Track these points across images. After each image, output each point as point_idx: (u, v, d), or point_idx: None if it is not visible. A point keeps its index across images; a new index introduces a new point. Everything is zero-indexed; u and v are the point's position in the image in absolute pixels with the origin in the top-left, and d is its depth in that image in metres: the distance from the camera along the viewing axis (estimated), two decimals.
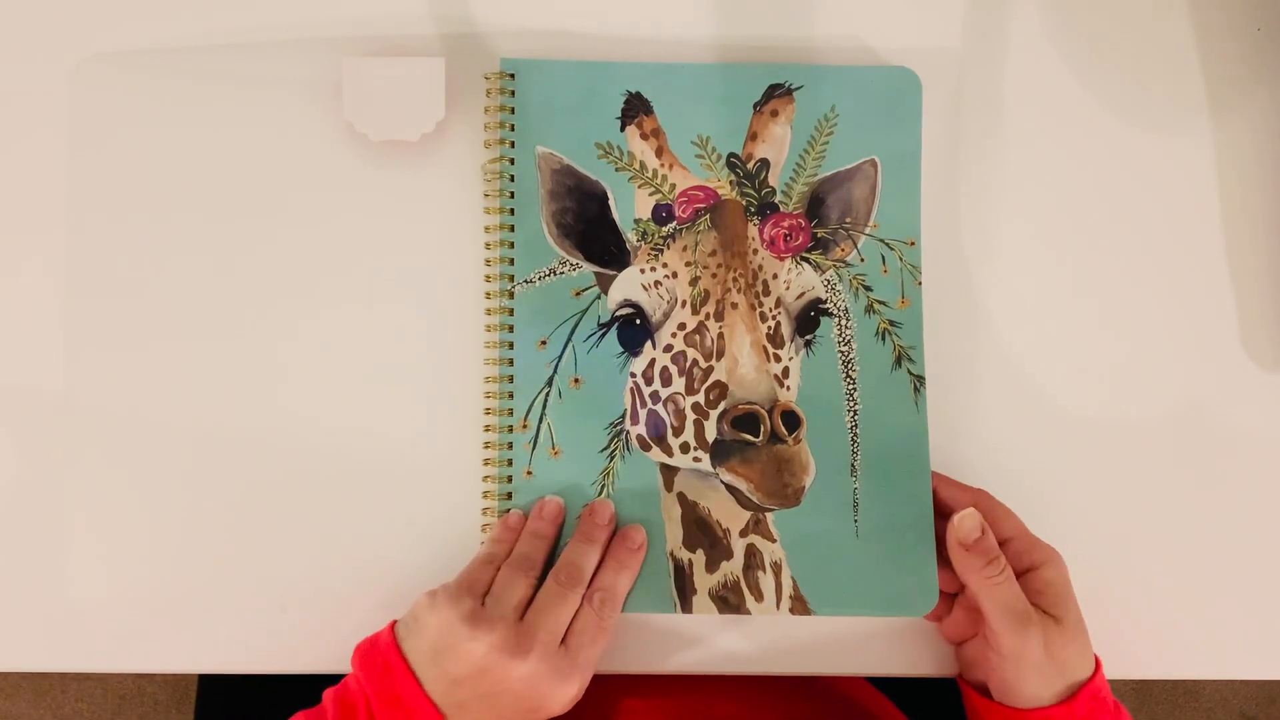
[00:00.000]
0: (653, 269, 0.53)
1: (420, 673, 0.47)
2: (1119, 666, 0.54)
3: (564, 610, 0.49)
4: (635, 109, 0.54)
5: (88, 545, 0.54)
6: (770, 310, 0.53)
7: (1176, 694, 1.29)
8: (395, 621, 0.50)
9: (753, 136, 0.54)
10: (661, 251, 0.53)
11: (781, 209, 0.54)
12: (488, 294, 0.54)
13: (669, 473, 0.53)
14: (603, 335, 0.53)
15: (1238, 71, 0.57)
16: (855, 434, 0.53)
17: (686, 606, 0.52)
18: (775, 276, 0.53)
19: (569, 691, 0.48)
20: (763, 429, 0.52)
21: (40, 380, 0.54)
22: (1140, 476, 0.56)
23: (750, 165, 0.54)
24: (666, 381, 0.53)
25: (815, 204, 0.54)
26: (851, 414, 0.53)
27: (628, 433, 0.53)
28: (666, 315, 0.53)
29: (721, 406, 0.53)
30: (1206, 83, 0.57)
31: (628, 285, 0.53)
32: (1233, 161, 0.57)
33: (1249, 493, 0.56)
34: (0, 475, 0.54)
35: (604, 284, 0.53)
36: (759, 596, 0.52)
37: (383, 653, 0.48)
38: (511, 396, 0.53)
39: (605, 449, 0.53)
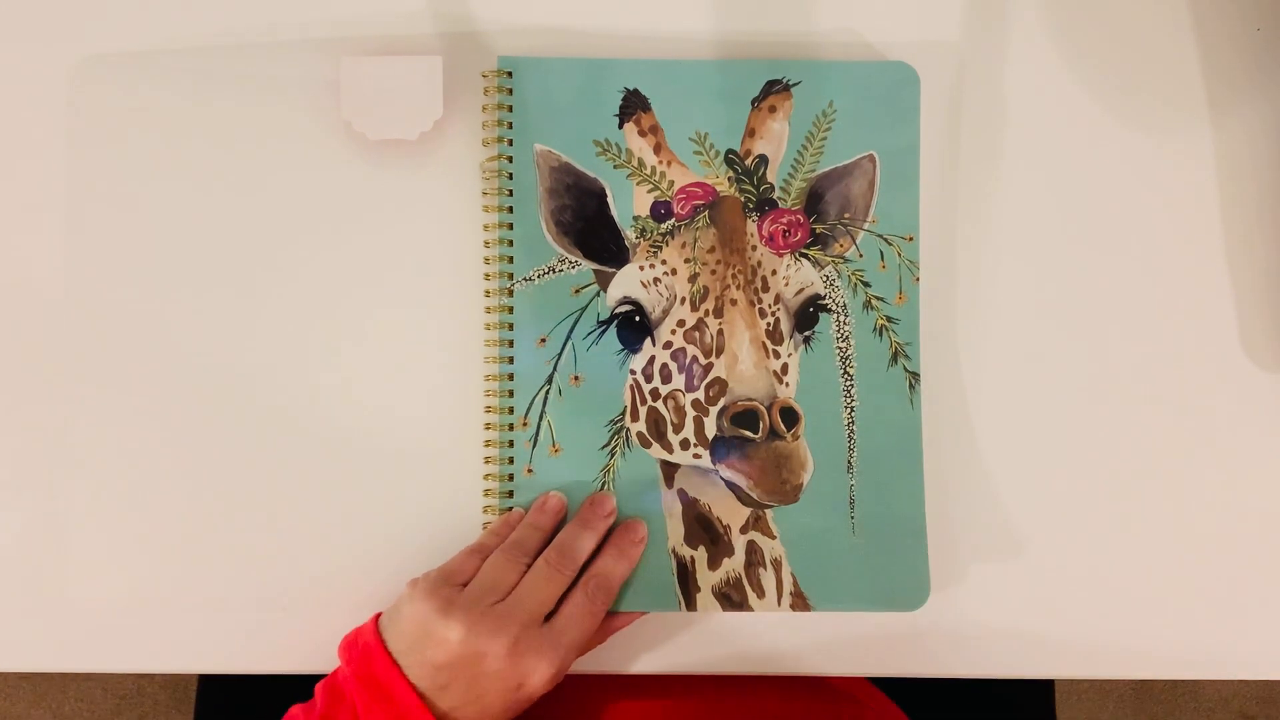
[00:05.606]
0: (652, 266, 0.53)
1: (401, 660, 0.47)
2: (1119, 666, 0.54)
3: (549, 590, 0.49)
4: (633, 106, 0.54)
5: (87, 545, 0.54)
6: (769, 306, 0.53)
7: (1176, 694, 1.29)
8: (380, 613, 0.50)
9: (751, 133, 0.54)
10: (660, 248, 0.53)
11: (780, 205, 0.54)
12: (487, 292, 0.54)
13: (669, 469, 0.53)
14: (602, 332, 0.53)
15: (1237, 72, 0.57)
16: (852, 431, 0.53)
17: (691, 604, 0.52)
18: (774, 272, 0.53)
19: (546, 671, 0.47)
20: (762, 425, 0.52)
21: (39, 380, 0.54)
22: (1139, 476, 0.56)
23: (748, 161, 0.54)
24: (666, 378, 0.53)
25: (814, 200, 0.54)
26: (848, 410, 0.53)
27: (628, 430, 0.53)
28: (666, 312, 0.53)
29: (721, 403, 0.53)
30: (1206, 83, 0.57)
31: (627, 282, 0.53)
32: (1232, 161, 0.57)
33: (1249, 493, 0.56)
34: (0, 476, 0.54)
35: (603, 281, 0.53)
36: (760, 593, 0.52)
37: (365, 642, 0.48)
38: (511, 394, 0.53)
39: (606, 446, 0.53)
